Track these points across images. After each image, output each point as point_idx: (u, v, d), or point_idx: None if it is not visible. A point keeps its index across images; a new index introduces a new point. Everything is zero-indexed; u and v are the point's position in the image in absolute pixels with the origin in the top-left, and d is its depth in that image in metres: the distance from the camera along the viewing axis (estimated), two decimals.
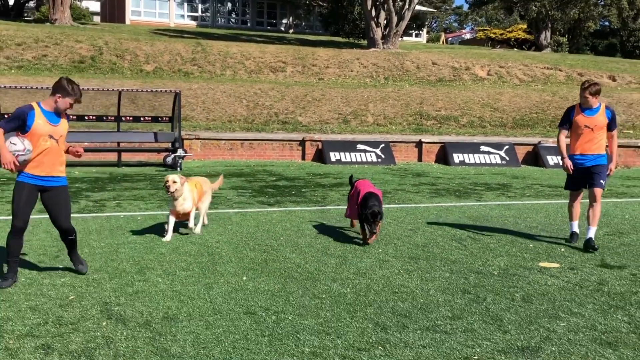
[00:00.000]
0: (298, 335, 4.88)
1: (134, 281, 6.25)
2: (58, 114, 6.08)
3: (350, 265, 7.05)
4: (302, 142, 20.11)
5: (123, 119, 17.51)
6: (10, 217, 6.12)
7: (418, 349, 4.70)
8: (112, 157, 17.87)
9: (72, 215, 9.66)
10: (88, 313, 5.31)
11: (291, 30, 51.18)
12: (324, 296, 5.91)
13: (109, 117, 17.64)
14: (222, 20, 51.77)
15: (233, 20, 52.67)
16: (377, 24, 29.30)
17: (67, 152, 6.32)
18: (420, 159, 20.65)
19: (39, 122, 5.92)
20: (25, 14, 46.70)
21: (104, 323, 5.08)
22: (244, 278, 6.45)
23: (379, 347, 4.70)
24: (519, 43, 56.96)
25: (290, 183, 14.41)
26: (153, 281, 6.27)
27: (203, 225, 8.73)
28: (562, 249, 8.13)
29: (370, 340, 4.83)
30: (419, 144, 20.70)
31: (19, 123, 5.86)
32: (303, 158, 20.04)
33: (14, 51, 23.07)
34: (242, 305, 5.59)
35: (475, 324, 5.24)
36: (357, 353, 4.59)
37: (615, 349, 4.78)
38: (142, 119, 17.87)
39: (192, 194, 8.19)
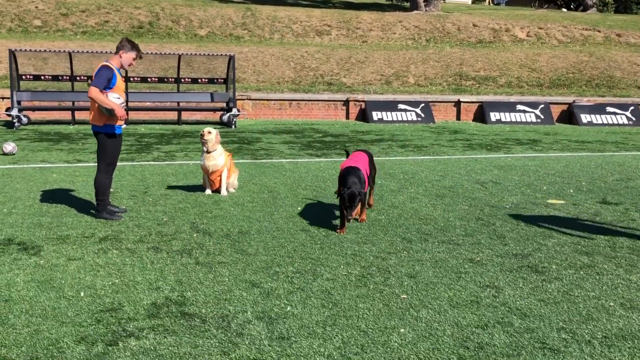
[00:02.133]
0: (342, 244, 6.36)
1: (212, 209, 7.81)
2: (120, 71, 7.33)
3: (386, 201, 8.48)
4: (346, 102, 21.43)
5: (182, 80, 19.11)
6: (95, 164, 7.58)
7: (434, 253, 6.12)
8: (172, 115, 19.54)
9: (148, 162, 11.37)
10: (180, 229, 6.88)
11: None
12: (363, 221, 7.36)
13: (169, 79, 19.25)
14: None
15: None
16: None
17: None
18: (458, 117, 21.77)
19: (118, 79, 7.22)
20: None
21: (195, 235, 6.64)
22: (299, 208, 7.94)
23: (404, 252, 6.14)
24: (566, 2, 56.46)
25: (335, 139, 15.81)
26: (227, 209, 7.81)
27: (229, 191, 8.79)
28: (571, 191, 9.38)
29: (398, 248, 6.28)
30: (457, 104, 21.79)
31: (107, 81, 7.08)
32: (347, 117, 21.38)
33: (78, 17, 24.82)
34: (298, 226, 7.09)
35: (482, 239, 6.63)
36: (386, 255, 6.04)
37: (590, 256, 6.12)
38: (199, 80, 19.43)
39: (225, 157, 8.49)
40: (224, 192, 8.65)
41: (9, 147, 12.00)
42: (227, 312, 4.57)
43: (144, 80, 19.19)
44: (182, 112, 19.14)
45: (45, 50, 18.48)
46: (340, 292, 5.01)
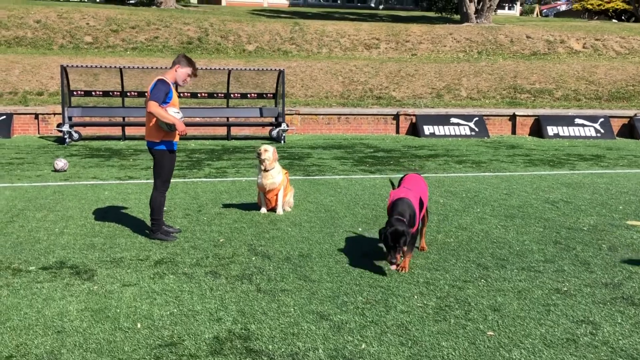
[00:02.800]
0: (412, 270, 5.89)
1: (269, 229, 7.43)
2: (175, 85, 7.06)
3: (452, 221, 7.97)
4: (396, 116, 20.95)
5: (231, 95, 18.93)
6: (148, 181, 7.29)
7: (515, 282, 5.60)
8: (222, 131, 19.36)
9: (200, 179, 11.10)
10: (238, 251, 6.51)
11: (381, 7, 51.61)
12: (430, 244, 6.87)
13: (219, 94, 19.10)
14: None
15: None
16: None
17: None
18: (514, 132, 21.05)
19: (174, 93, 6.95)
20: None
21: (253, 258, 6.26)
22: (360, 229, 7.50)
23: (482, 280, 5.63)
24: (618, 14, 54.97)
25: (388, 154, 15.35)
26: (284, 230, 7.42)
27: (285, 210, 8.42)
28: None
29: (474, 275, 5.77)
30: (512, 117, 21.09)
31: (164, 96, 6.78)
32: (397, 132, 20.89)
33: (128, 34, 25.00)
34: (361, 249, 6.64)
35: (565, 266, 6.07)
36: (463, 284, 5.54)
37: None
38: (248, 95, 19.23)
39: (282, 175, 8.16)
40: (280, 211, 8.27)
41: (60, 163, 11.89)
42: (297, 350, 4.15)
43: (193, 95, 19.09)
44: (231, 127, 18.93)
45: (95, 66, 18.55)
46: (418, 327, 4.54)
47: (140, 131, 18.88)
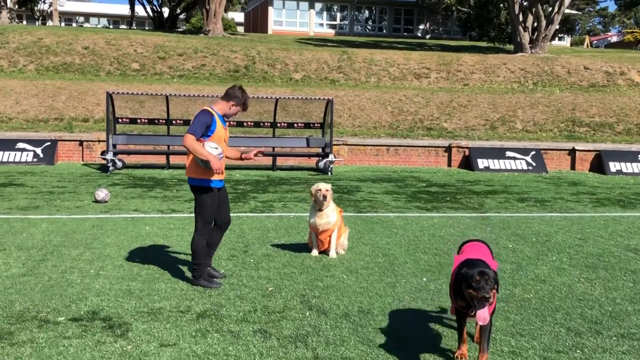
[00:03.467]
0: (494, 335, 5.05)
1: (322, 276, 6.68)
2: (223, 119, 6.43)
3: (527, 272, 7.10)
4: (448, 149, 20.11)
5: (278, 125, 18.39)
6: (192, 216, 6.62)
7: (618, 354, 4.72)
8: (267, 160, 18.79)
9: (245, 214, 10.45)
10: (289, 304, 5.77)
11: (428, 36, 51.00)
12: (508, 300, 6.02)
13: (265, 124, 18.58)
14: (359, 28, 52.56)
15: (370, 27, 53.31)
16: (525, 29, 28.59)
17: (240, 158, 6.71)
18: (573, 167, 19.97)
19: (219, 126, 6.30)
20: (177, 27, 49.88)
21: (307, 313, 5.51)
22: (424, 279, 6.70)
23: (577, 351, 4.77)
24: None
25: (442, 189, 14.51)
26: (339, 278, 6.66)
27: (338, 253, 7.68)
28: None
29: (567, 344, 4.91)
30: (572, 152, 20.03)
31: (204, 129, 6.17)
32: (449, 165, 20.03)
33: (175, 61, 24.83)
34: (430, 304, 5.84)
35: None
36: (556, 355, 4.69)
37: None
38: (295, 125, 18.66)
39: (337, 214, 7.52)
40: (333, 254, 7.53)
41: (102, 194, 11.41)
42: None
43: (239, 124, 18.59)
44: (277, 157, 18.35)
45: (141, 93, 18.25)
46: None
47: (185, 160, 18.51)
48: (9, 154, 18.16)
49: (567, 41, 60.36)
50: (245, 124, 18.61)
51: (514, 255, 7.92)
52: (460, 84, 25.04)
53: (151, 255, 7.48)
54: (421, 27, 53.45)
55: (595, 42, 71.94)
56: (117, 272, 6.70)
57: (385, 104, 23.01)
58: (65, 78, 23.10)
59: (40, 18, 60.41)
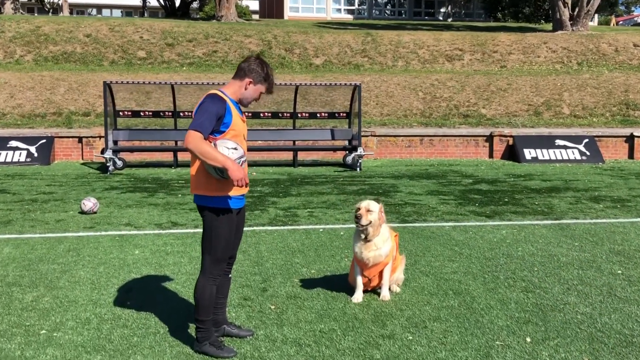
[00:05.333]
0: None
1: (376, 337, 4.57)
2: (239, 106, 4.39)
3: None
4: (489, 138, 17.88)
5: (299, 115, 16.27)
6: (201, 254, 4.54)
7: None
8: (286, 155, 16.72)
9: (264, 227, 8.37)
10: None
11: (449, 19, 48.47)
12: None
13: (284, 114, 16.47)
14: (378, 12, 50.23)
15: (388, 11, 50.97)
16: (565, 4, 26.11)
17: None
18: (631, 155, 17.65)
19: (236, 117, 4.24)
20: (190, 15, 47.85)
21: None
22: (528, 339, 4.56)
23: None
24: None
25: (494, 187, 12.32)
26: (402, 338, 4.55)
27: (392, 291, 5.59)
28: None
29: None
30: (629, 139, 17.69)
31: (215, 122, 4.12)
32: (490, 156, 17.81)
33: (184, 47, 22.78)
34: None
35: None
36: None
37: None
38: (318, 115, 16.52)
39: (391, 243, 5.39)
40: (386, 294, 5.40)
41: (89, 204, 9.39)
42: None
43: (255, 115, 16.50)
44: (298, 152, 16.25)
45: (143, 82, 16.20)
46: None
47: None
48: (0, 153, 16.26)
49: (594, 21, 57.48)
50: (261, 114, 16.51)
51: (630, 286, 5.75)
52: (497, 66, 22.71)
53: (135, 298, 5.42)
54: (442, 10, 50.97)
55: (621, 22, 68.84)
56: (78, 333, 4.64)
57: (416, 90, 20.78)
58: (65, 69, 21.13)
59: (51, 11, 58.70)
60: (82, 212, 9.39)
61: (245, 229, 8.22)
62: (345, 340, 4.52)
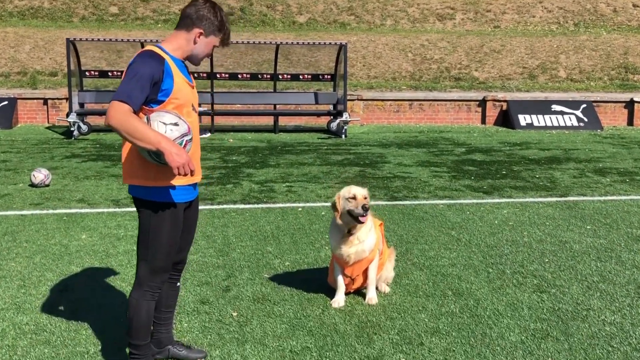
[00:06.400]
0: None
1: (361, 358, 3.64)
2: (185, 66, 3.36)
3: None
4: (482, 102, 16.91)
5: (280, 77, 15.17)
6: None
7: None
8: (266, 120, 15.68)
9: (235, 205, 7.41)
10: None
11: None
12: None
13: (265, 76, 15.35)
14: None
15: None
16: None
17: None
18: (630, 122, 16.80)
19: (179, 81, 3.20)
20: None
21: None
22: (541, 351, 3.66)
23: None
24: None
25: (489, 157, 11.41)
26: (394, 359, 3.64)
27: (380, 292, 4.65)
28: None
29: None
30: (629, 104, 16.80)
31: (149, 88, 3.07)
32: (483, 122, 16.88)
33: (160, 3, 21.43)
34: None
35: None
36: None
37: None
38: (300, 77, 15.42)
39: (375, 235, 4.45)
40: (373, 296, 4.46)
41: (40, 175, 8.36)
42: None
43: (233, 77, 15.39)
44: (279, 117, 15.20)
45: (110, 40, 14.98)
46: None
47: None
48: None
49: None
50: (239, 76, 15.39)
51: None
52: (490, 26, 21.61)
53: (68, 300, 4.46)
54: None
55: None
56: None
57: (405, 51, 19.69)
58: (31, 25, 19.77)
59: None
60: (33, 185, 8.36)
61: (213, 207, 7.28)
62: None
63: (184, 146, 3.06)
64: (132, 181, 3.22)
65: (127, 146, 3.22)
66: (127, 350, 3.31)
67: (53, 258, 5.40)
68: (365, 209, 4.13)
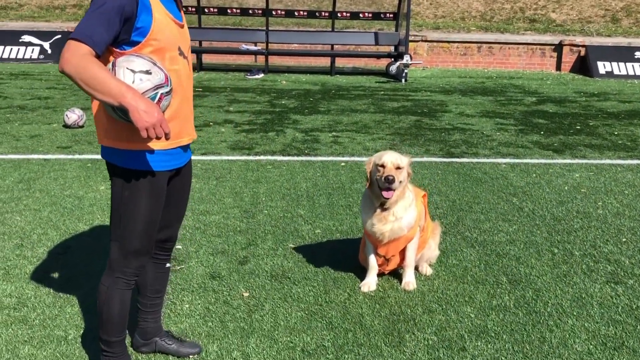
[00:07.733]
0: None
1: None
2: None
3: None
4: (558, 47, 15.57)
5: (339, 15, 14.23)
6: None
7: None
8: (323, 61, 14.86)
9: (272, 157, 6.76)
10: None
11: None
12: None
13: (323, 14, 14.44)
14: None
15: None
16: None
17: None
18: None
19: (160, 16, 2.48)
20: None
21: None
22: None
23: None
24: None
25: (562, 108, 10.34)
26: None
27: (420, 274, 3.93)
28: None
29: None
30: None
31: (119, 27, 2.36)
32: (558, 68, 15.59)
33: None
34: None
35: None
36: None
37: None
38: (360, 15, 14.45)
39: (416, 209, 3.68)
40: (411, 280, 3.75)
41: (74, 116, 7.92)
42: None
43: (289, 14, 14.56)
44: (336, 58, 14.34)
45: None
46: None
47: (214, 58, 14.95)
48: (11, 49, 14.90)
49: None
50: (296, 13, 14.53)
51: None
52: None
53: (64, 265, 3.95)
54: None
55: None
56: None
57: None
58: None
59: None
60: (66, 126, 7.93)
61: (249, 158, 6.65)
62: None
63: (158, 101, 2.37)
64: (105, 141, 2.58)
65: (96, 101, 2.56)
66: (100, 345, 2.74)
67: (62, 212, 4.90)
68: (389, 180, 3.37)
